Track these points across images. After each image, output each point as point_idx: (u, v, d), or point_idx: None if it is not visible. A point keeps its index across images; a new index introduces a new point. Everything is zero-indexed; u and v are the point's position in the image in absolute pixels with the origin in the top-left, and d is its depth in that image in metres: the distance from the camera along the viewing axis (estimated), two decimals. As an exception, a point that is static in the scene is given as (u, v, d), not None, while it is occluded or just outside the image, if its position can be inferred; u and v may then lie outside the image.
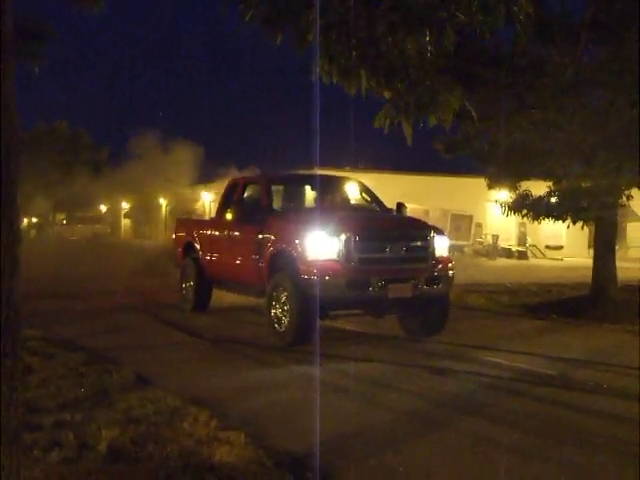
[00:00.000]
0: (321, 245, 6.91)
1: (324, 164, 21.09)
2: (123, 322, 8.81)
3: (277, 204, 8.54)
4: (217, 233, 9.14)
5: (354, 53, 5.24)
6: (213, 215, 11.17)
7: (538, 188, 10.54)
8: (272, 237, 7.61)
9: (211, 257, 9.24)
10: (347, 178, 9.59)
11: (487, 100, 8.28)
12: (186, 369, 6.08)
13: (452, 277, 7.54)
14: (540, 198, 9.94)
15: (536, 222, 10.53)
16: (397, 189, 19.98)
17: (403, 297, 7.10)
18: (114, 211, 49.54)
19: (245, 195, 8.92)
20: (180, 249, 10.10)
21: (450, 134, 9.54)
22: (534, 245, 28.42)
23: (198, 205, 36.31)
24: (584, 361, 6.60)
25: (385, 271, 7.08)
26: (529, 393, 5.49)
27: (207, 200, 34.75)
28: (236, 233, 8.62)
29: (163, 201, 42.57)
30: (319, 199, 8.56)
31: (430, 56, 5.52)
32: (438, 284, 7.34)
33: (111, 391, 4.92)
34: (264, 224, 7.80)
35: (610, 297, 9.98)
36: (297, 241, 7.11)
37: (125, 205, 48.18)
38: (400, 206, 8.54)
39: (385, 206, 8.73)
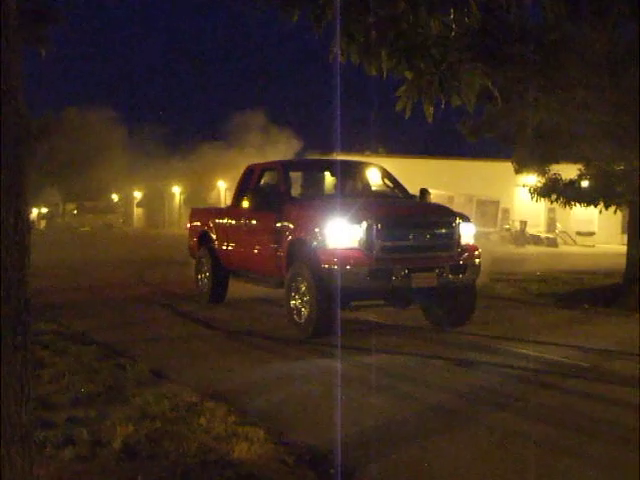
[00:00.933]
0: (342, 233, 6.75)
1: (343, 149, 20.90)
2: (137, 314, 8.73)
3: (295, 191, 8.36)
4: (233, 222, 8.99)
5: (374, 32, 5.04)
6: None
7: (568, 172, 10.20)
8: (291, 225, 7.45)
9: (227, 247, 9.10)
10: (368, 163, 9.38)
11: (513, 79, 7.98)
12: (203, 363, 5.96)
13: (479, 265, 7.34)
14: (571, 182, 9.60)
15: (567, 207, 10.21)
16: (420, 174, 19.72)
17: (428, 287, 6.92)
18: (126, 200, 49.74)
19: (262, 182, 8.76)
20: (195, 239, 9.98)
21: (475, 116, 9.26)
22: (564, 231, 27.88)
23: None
24: (616, 352, 6.39)
25: (409, 260, 6.89)
26: (559, 385, 5.32)
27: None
28: (253, 222, 8.46)
29: (177, 189, 42.63)
30: (339, 185, 8.37)
31: (453, 34, 5.29)
32: (464, 273, 7.14)
33: (125, 386, 4.82)
34: (282, 212, 7.64)
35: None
36: (317, 229, 6.96)
37: (137, 194, 48.39)
38: (424, 192, 8.29)
39: (408, 192, 8.49)
